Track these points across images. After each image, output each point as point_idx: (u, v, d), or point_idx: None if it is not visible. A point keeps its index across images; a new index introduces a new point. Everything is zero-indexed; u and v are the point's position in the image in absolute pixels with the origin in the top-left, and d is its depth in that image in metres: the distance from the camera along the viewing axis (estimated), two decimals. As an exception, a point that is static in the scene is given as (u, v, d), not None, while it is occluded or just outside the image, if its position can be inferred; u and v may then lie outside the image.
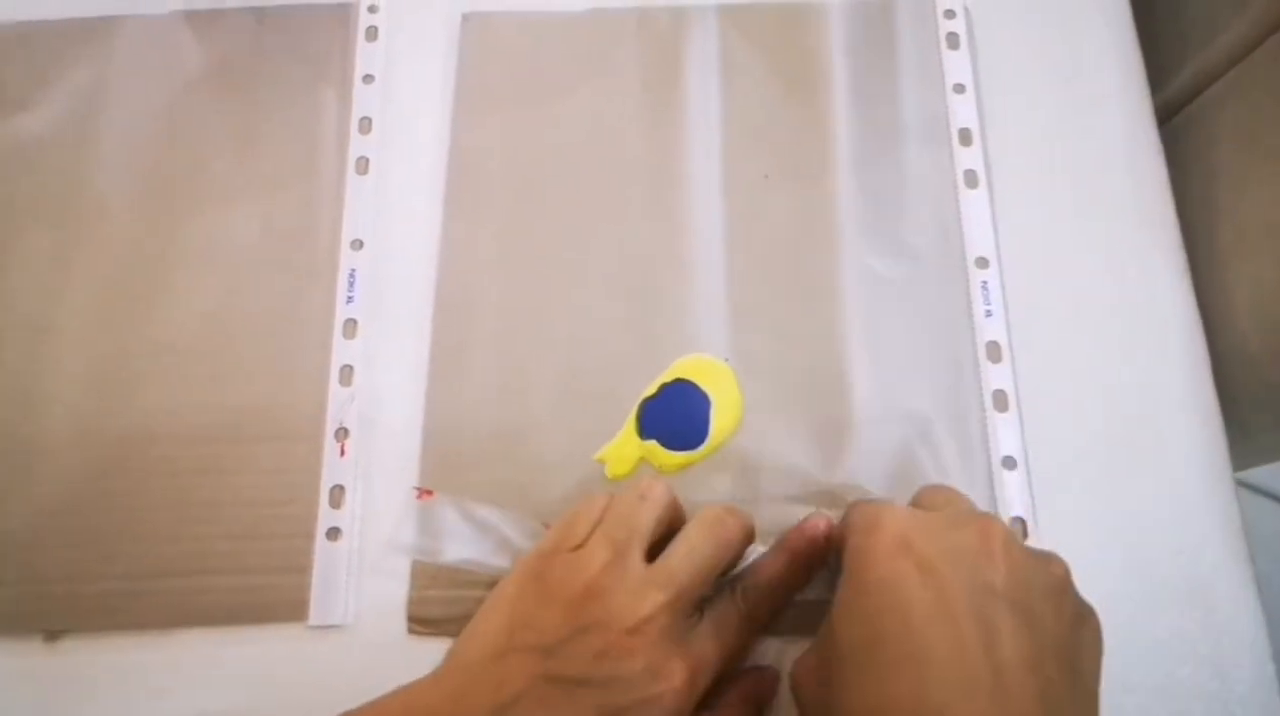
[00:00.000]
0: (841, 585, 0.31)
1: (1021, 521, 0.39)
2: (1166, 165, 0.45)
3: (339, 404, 0.41)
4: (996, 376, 0.41)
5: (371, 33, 0.47)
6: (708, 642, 0.33)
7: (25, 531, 0.39)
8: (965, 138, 0.45)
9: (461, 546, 0.38)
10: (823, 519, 0.36)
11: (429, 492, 0.39)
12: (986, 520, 0.31)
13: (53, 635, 0.38)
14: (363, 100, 0.46)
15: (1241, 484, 0.40)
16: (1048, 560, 0.31)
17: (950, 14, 0.47)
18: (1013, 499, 0.39)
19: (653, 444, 0.40)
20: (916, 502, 0.35)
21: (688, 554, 0.33)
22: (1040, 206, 0.44)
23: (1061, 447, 0.40)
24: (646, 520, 0.34)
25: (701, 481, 0.39)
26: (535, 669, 0.31)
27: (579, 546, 0.33)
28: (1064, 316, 0.42)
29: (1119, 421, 0.40)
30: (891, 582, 0.30)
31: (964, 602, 0.28)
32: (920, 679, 0.28)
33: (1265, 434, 0.43)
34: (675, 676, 0.31)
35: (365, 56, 0.47)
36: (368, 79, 0.47)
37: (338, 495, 0.39)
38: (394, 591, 0.38)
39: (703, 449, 0.40)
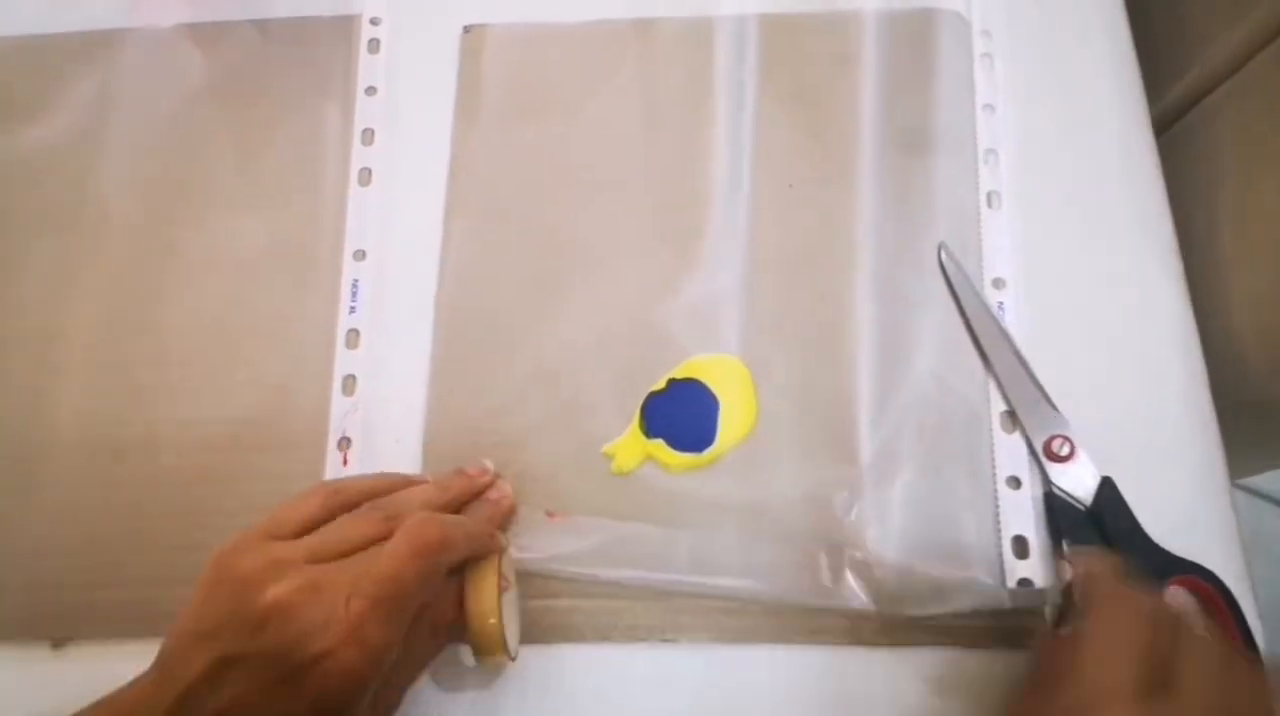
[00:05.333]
0: None
1: (1023, 539, 0.39)
2: (1165, 175, 0.45)
3: (341, 413, 0.41)
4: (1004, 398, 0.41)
5: (374, 45, 0.48)
6: (366, 593, 0.31)
7: (33, 539, 0.40)
8: (991, 158, 0.45)
9: None
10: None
11: None
12: None
13: (59, 642, 0.39)
14: (365, 112, 0.47)
15: (1242, 489, 0.40)
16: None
17: (986, 34, 0.47)
18: (1015, 517, 0.39)
19: (659, 442, 0.40)
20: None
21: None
22: (1040, 220, 0.44)
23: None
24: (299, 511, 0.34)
25: (709, 482, 0.40)
26: (209, 654, 0.30)
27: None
28: (1064, 328, 0.42)
29: (1117, 433, 0.40)
30: None
31: None
32: None
33: (1264, 442, 0.44)
34: (338, 653, 0.29)
35: (367, 69, 0.47)
36: (370, 91, 0.47)
37: (340, 503, 0.40)
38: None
39: (708, 452, 0.40)
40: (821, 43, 0.47)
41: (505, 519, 0.39)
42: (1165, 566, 0.37)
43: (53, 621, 0.39)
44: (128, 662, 0.37)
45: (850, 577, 0.37)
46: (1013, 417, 0.40)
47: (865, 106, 0.45)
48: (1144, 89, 0.46)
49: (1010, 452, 0.40)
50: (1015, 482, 0.40)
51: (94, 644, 0.39)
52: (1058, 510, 0.38)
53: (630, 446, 0.40)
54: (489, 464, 0.39)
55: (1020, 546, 0.39)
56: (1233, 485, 0.40)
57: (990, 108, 0.46)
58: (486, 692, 0.38)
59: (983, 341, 0.41)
